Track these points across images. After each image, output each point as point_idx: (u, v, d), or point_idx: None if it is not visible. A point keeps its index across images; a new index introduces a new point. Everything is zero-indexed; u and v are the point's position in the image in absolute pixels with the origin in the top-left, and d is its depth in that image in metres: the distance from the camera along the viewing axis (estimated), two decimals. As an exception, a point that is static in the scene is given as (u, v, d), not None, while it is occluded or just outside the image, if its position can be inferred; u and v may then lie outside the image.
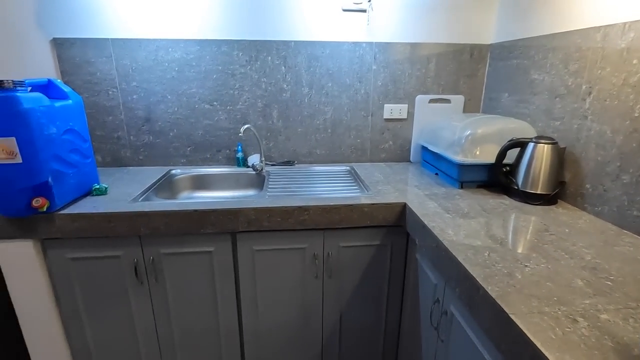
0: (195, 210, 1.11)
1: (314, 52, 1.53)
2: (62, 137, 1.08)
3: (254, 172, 1.56)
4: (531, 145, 1.17)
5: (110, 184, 1.34)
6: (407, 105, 1.64)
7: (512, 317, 0.61)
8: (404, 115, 1.65)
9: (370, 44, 1.54)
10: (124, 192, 1.26)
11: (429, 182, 1.40)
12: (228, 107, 1.56)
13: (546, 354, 0.53)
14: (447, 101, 1.65)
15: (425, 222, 1.01)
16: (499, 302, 0.65)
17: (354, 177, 1.50)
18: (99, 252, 1.14)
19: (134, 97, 1.51)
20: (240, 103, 1.56)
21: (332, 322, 1.32)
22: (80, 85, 1.47)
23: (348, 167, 1.63)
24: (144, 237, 1.14)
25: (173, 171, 1.54)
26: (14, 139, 0.95)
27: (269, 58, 1.52)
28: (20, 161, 0.97)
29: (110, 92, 1.49)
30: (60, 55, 1.43)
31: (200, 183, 1.55)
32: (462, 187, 1.32)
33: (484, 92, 1.66)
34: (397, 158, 1.72)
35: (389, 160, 1.72)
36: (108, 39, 1.43)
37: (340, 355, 1.37)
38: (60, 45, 1.42)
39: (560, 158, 1.16)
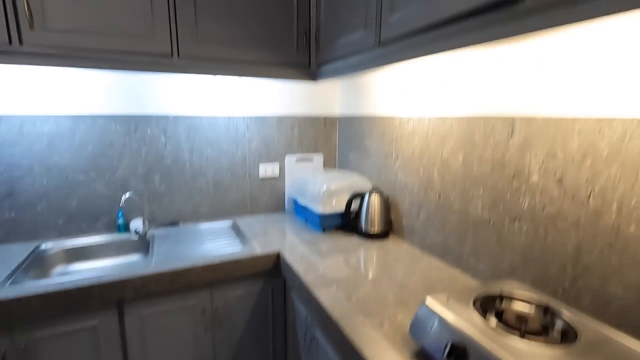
0: (77, 288, 1.13)
1: (193, 123, 1.73)
2: None
3: (136, 238, 1.61)
4: (367, 195, 1.59)
5: (-37, 271, 1.22)
6: (278, 164, 1.95)
7: (347, 332, 0.90)
8: (277, 173, 1.96)
9: (243, 118, 1.82)
10: (-16, 278, 1.18)
11: (299, 230, 1.70)
12: (106, 176, 1.60)
13: (363, 349, 0.82)
14: (310, 159, 2.03)
15: (293, 266, 1.28)
16: (339, 322, 0.94)
17: (236, 231, 1.69)
18: (-46, 351, 1.05)
19: (-8, 172, 1.42)
20: (120, 171, 1.62)
21: (225, 369, 1.44)
22: None
23: (231, 222, 1.82)
24: (15, 321, 1.10)
25: (43, 246, 1.47)
26: None
27: (149, 130, 1.64)
28: None
29: (-41, 169, 1.38)
30: None
31: (77, 255, 1.51)
32: (324, 231, 1.66)
33: (337, 151, 2.10)
34: (274, 209, 1.99)
35: (267, 212, 1.98)
36: (-42, 114, 1.35)
37: (235, 399, 1.49)
38: None
39: (387, 204, 1.61)
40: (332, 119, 2.05)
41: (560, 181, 0.92)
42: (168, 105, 1.67)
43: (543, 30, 0.67)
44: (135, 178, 1.66)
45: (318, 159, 2.05)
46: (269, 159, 1.93)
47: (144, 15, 1.28)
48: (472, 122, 1.17)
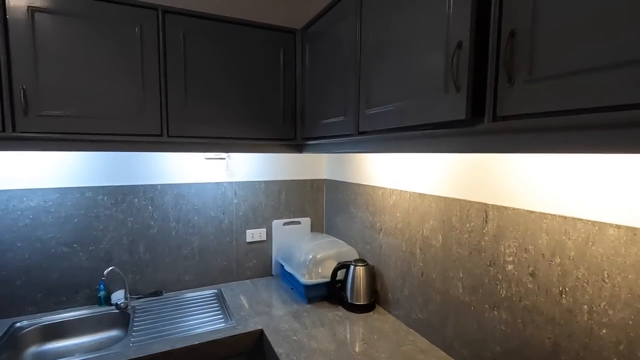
0: (49, 379, 1.09)
1: (181, 192, 1.75)
2: None
3: (117, 311, 1.56)
4: (352, 267, 1.59)
5: None
6: (265, 229, 1.96)
7: None
8: (264, 238, 1.96)
9: (230, 183, 1.86)
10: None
11: (285, 299, 1.67)
12: (90, 248, 1.59)
13: None
14: (298, 222, 2.04)
15: (275, 349, 1.25)
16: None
17: (220, 303, 1.66)
18: None
19: (-27, 248, 1.41)
20: (104, 242, 1.62)
21: None
22: None
23: (216, 291, 1.78)
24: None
25: (18, 324, 1.43)
26: None
27: (136, 200, 1.66)
28: None
29: (-61, 246, 1.37)
30: None
31: (53, 332, 1.46)
32: (309, 302, 1.63)
33: (324, 215, 2.12)
34: (261, 274, 1.97)
35: (254, 277, 1.95)
36: (-55, 192, 1.36)
37: None
38: None
39: (372, 274, 1.60)
40: (319, 181, 2.09)
41: (533, 275, 0.94)
42: (156, 174, 1.70)
43: (499, 152, 0.72)
44: (119, 249, 1.65)
45: (305, 222, 2.06)
46: (257, 224, 1.94)
47: (135, 99, 1.35)
48: (449, 204, 1.21)
